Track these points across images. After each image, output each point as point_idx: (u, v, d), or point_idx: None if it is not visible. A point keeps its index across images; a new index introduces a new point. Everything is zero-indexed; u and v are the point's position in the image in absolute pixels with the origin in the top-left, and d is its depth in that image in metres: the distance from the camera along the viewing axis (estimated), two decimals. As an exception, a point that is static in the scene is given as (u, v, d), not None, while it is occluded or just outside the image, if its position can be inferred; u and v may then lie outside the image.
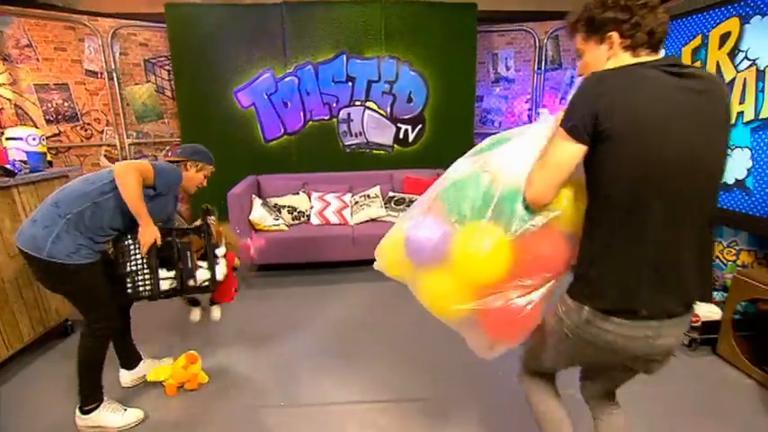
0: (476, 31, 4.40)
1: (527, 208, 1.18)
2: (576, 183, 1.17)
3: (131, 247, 1.90)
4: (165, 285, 1.97)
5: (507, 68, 4.92)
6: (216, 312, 2.34)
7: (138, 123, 4.54)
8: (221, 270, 2.12)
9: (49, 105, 4.08)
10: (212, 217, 2.14)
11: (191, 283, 2.02)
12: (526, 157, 1.21)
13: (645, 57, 1.09)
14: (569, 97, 1.09)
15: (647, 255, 1.06)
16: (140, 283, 1.91)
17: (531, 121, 4.94)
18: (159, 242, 1.90)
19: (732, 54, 2.55)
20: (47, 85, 4.04)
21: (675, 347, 1.18)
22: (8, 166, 2.32)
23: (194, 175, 2.15)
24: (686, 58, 2.86)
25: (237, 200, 3.40)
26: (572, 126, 1.05)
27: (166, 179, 1.94)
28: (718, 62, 2.64)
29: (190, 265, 2.01)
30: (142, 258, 1.90)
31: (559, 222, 1.19)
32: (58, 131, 4.15)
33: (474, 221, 1.25)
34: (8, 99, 3.90)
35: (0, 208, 2.25)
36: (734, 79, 2.54)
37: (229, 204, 3.37)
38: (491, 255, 1.21)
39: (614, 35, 1.10)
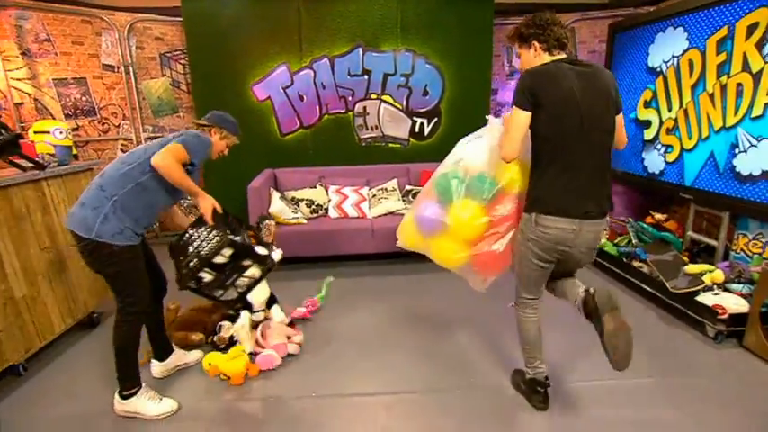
0: (492, 24, 4.38)
1: (488, 183, 1.90)
2: (519, 163, 1.83)
3: (193, 236, 2.05)
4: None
5: (522, 61, 4.89)
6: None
7: (154, 117, 4.55)
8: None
9: (68, 100, 4.10)
10: (269, 221, 2.23)
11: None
12: (484, 151, 1.94)
13: (557, 55, 1.73)
14: (516, 85, 1.72)
15: (571, 176, 1.67)
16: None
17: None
18: (219, 209, 2.02)
19: (760, 45, 2.53)
20: (65, 79, 4.06)
21: (594, 242, 1.79)
22: (38, 160, 2.34)
23: (218, 143, 2.18)
24: (711, 50, 2.84)
25: (257, 193, 3.42)
26: (520, 101, 1.68)
27: (200, 153, 2.00)
28: (744, 53, 2.63)
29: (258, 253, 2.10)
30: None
31: (511, 187, 1.90)
32: (76, 126, 4.17)
33: (458, 200, 1.97)
34: (28, 93, 3.92)
35: (32, 201, 2.27)
36: (761, 70, 2.52)
37: (249, 198, 3.39)
38: (472, 218, 1.94)
39: (535, 43, 1.77)
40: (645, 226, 3.35)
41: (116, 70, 4.28)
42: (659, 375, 2.24)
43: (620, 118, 1.79)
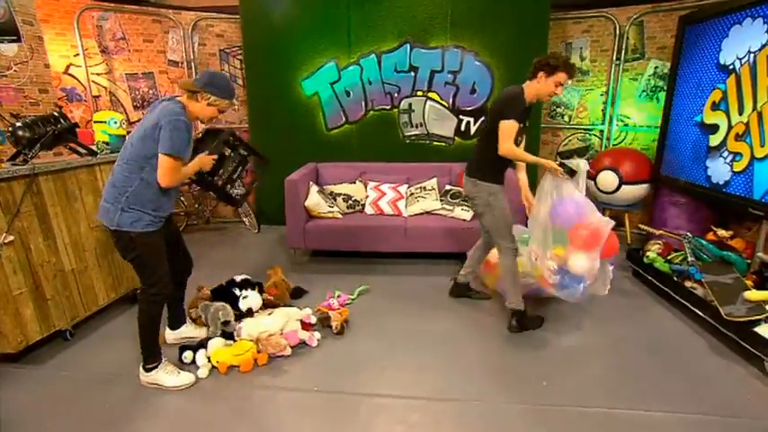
0: (548, 18, 4.14)
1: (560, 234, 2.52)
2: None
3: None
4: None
5: (582, 59, 4.59)
6: None
7: (213, 110, 4.83)
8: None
9: (137, 93, 4.47)
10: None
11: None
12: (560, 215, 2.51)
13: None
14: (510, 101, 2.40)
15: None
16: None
17: (604, 118, 4.58)
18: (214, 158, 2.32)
19: None
20: (135, 74, 4.43)
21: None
22: (93, 147, 2.58)
23: (204, 109, 2.05)
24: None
25: (294, 186, 3.52)
26: (516, 115, 2.34)
27: (184, 146, 1.94)
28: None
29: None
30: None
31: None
32: (143, 116, 4.54)
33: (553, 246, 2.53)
34: (104, 87, 4.32)
35: (85, 184, 2.52)
36: None
37: (286, 190, 3.49)
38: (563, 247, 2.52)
39: (541, 74, 2.35)
40: (704, 243, 3.01)
41: (179, 65, 4.60)
42: (703, 412, 2.02)
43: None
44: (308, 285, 3.28)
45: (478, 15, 4.11)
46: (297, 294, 3.17)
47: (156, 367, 2.13)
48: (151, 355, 2.13)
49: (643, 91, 4.39)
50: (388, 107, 4.43)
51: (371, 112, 4.45)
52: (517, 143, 2.45)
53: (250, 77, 4.50)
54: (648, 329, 2.72)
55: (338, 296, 3.08)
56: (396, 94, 4.38)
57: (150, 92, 4.52)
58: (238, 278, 2.81)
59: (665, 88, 4.19)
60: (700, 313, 2.69)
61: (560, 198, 2.51)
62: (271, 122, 4.55)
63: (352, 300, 3.12)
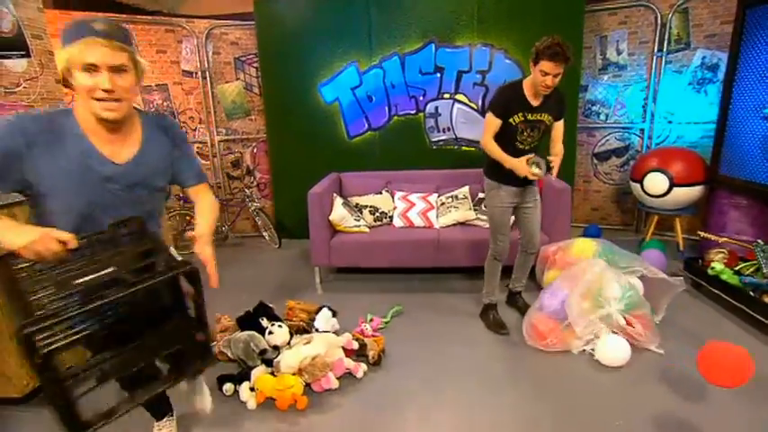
0: (583, 11, 3.84)
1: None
2: None
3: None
4: None
5: (618, 53, 4.28)
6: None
7: (228, 120, 4.65)
8: None
9: (151, 106, 4.30)
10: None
11: None
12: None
13: None
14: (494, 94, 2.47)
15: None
16: None
17: (645, 113, 4.25)
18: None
19: None
20: (149, 86, 4.27)
21: None
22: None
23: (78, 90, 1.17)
24: None
25: (318, 199, 3.28)
26: (495, 108, 2.36)
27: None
28: None
29: None
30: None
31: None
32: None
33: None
34: (117, 100, 4.16)
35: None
36: None
37: (309, 204, 3.25)
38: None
39: (531, 63, 2.28)
40: (781, 251, 2.67)
41: (194, 76, 4.42)
42: None
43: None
44: (336, 305, 3.03)
45: (507, 10, 3.83)
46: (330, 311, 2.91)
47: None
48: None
49: (689, 84, 4.05)
50: (413, 112, 4.17)
51: (395, 118, 4.20)
52: (524, 137, 2.40)
53: (267, 85, 4.30)
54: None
55: (371, 320, 2.82)
56: (421, 98, 4.12)
57: (165, 104, 4.35)
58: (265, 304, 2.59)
59: (718, 80, 3.86)
60: (787, 334, 2.35)
61: None
62: (289, 131, 4.34)
63: (386, 323, 2.86)
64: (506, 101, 2.34)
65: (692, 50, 3.98)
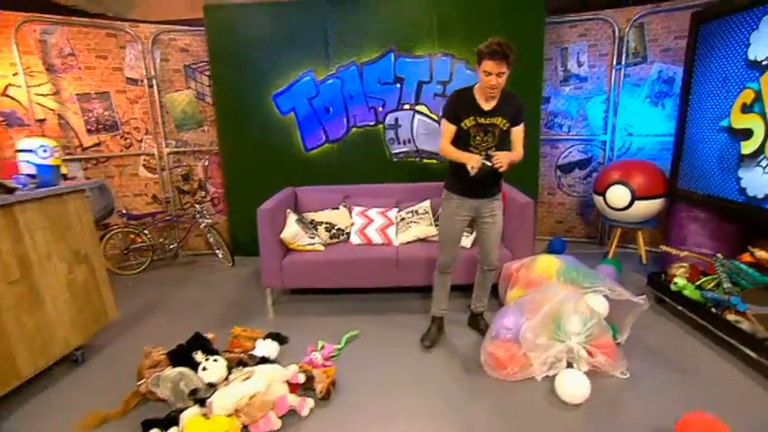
0: (543, 22, 3.80)
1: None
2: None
3: None
4: None
5: (579, 64, 4.27)
6: None
7: (178, 132, 4.36)
8: None
9: (91, 115, 3.98)
10: None
11: None
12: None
13: None
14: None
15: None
16: None
17: (606, 126, 4.24)
18: None
19: None
20: (88, 94, 3.95)
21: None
22: (10, 182, 2.09)
23: None
24: None
25: (269, 216, 3.04)
26: (446, 114, 2.37)
27: None
28: None
29: None
30: None
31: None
32: (98, 141, 4.05)
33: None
34: (51, 109, 3.83)
35: (-1, 228, 2.00)
36: None
37: (259, 221, 3.02)
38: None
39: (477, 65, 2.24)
40: (741, 266, 2.62)
41: (139, 83, 4.13)
42: None
43: None
44: (288, 330, 2.79)
45: (468, 21, 3.75)
46: (276, 340, 2.66)
47: None
48: None
49: (647, 97, 4.06)
50: (372, 123, 4.01)
51: (354, 130, 4.03)
52: (477, 142, 2.33)
53: (218, 94, 4.06)
54: (695, 374, 2.30)
55: (322, 348, 2.60)
56: (380, 109, 3.97)
57: (106, 113, 4.04)
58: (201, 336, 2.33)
59: (674, 93, 3.88)
60: (751, 354, 2.28)
61: None
62: (243, 143, 4.10)
63: (339, 350, 2.64)
64: (455, 105, 2.32)
65: (649, 64, 4.00)
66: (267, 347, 2.50)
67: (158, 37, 4.11)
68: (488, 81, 2.14)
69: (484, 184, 2.39)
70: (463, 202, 2.45)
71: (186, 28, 4.18)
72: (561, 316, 2.23)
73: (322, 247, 3.27)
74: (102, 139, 4.06)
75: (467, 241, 3.18)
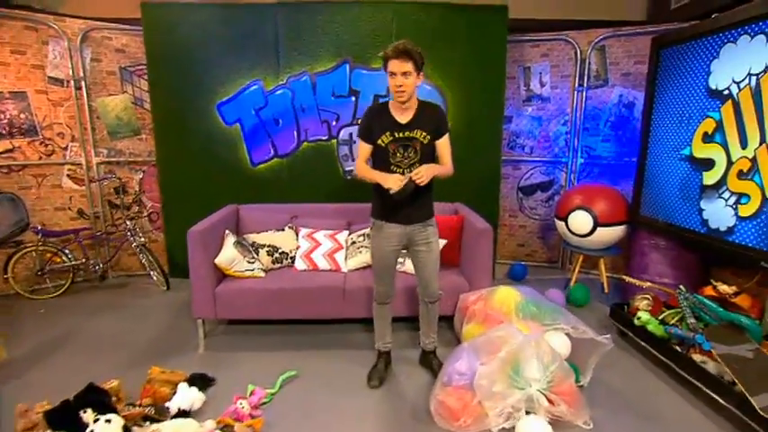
0: (506, 38, 3.67)
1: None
2: None
3: None
4: None
5: (542, 84, 4.17)
6: None
7: (111, 140, 3.93)
8: None
9: (3, 117, 3.50)
10: None
11: None
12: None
13: None
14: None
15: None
16: None
17: (568, 148, 4.14)
18: None
19: None
20: (0, 93, 3.48)
21: None
22: None
23: None
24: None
25: (200, 239, 2.69)
26: (360, 132, 2.23)
27: None
28: None
29: None
30: None
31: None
32: (11, 147, 3.56)
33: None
34: (-46, 109, 3.34)
35: None
36: None
37: (189, 245, 2.66)
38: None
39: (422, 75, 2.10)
40: (705, 301, 2.49)
41: (65, 84, 3.69)
42: None
43: None
44: (219, 369, 2.43)
45: (427, 34, 3.55)
46: (198, 384, 2.30)
47: None
48: None
49: (608, 120, 3.99)
50: (324, 138, 3.73)
51: (305, 144, 3.74)
52: (398, 159, 2.14)
53: (156, 101, 3.67)
54: (660, 420, 2.11)
55: (251, 393, 2.25)
56: (334, 123, 3.70)
57: (22, 115, 3.57)
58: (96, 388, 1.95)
59: (635, 118, 3.82)
60: (718, 398, 2.11)
61: None
62: (183, 155, 3.72)
63: (272, 395, 2.30)
64: (369, 122, 2.17)
65: (611, 87, 3.94)
66: (187, 396, 2.14)
67: (89, 34, 3.71)
68: (394, 82, 2.01)
69: (412, 207, 2.17)
70: (392, 231, 2.22)
71: (122, 26, 3.80)
72: (520, 360, 1.99)
73: (262, 274, 2.93)
74: (16, 145, 3.58)
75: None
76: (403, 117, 2.13)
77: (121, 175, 3.97)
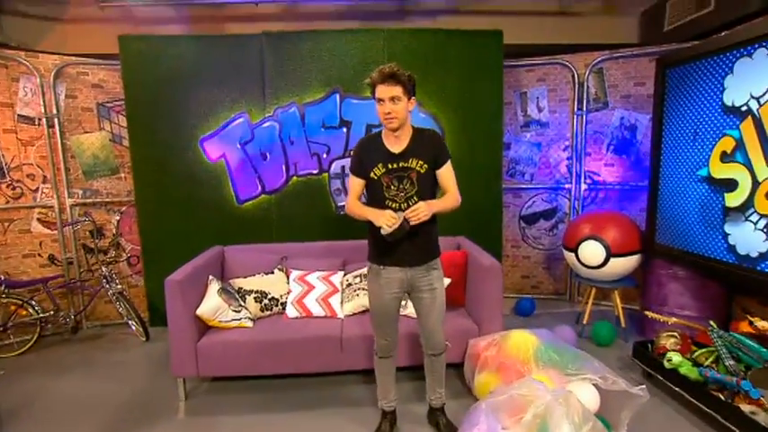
0: (502, 63, 3.54)
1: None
2: None
3: None
4: None
5: (540, 109, 4.03)
6: None
7: (86, 179, 3.68)
8: None
9: (-33, 159, 3.25)
10: None
11: None
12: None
13: None
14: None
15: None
16: None
17: (570, 174, 3.96)
18: None
19: None
20: (-35, 133, 3.24)
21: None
22: None
23: None
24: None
25: (179, 288, 2.41)
26: (352, 167, 2.04)
27: None
28: None
29: None
30: None
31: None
32: (-25, 191, 3.30)
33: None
34: None
35: None
36: None
37: (168, 295, 2.39)
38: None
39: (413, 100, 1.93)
40: (744, 340, 2.24)
41: (37, 123, 3.46)
42: None
43: None
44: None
45: (420, 61, 3.41)
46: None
47: None
48: None
49: (610, 143, 3.84)
50: (315, 172, 3.52)
51: (295, 179, 3.51)
52: (393, 193, 1.93)
53: (135, 138, 3.45)
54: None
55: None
56: (324, 156, 3.50)
57: (-12, 158, 3.32)
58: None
59: (638, 141, 3.68)
60: (777, 458, 1.84)
61: None
62: (164, 194, 3.47)
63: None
64: (360, 154, 2.01)
65: (611, 110, 3.80)
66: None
67: (64, 70, 3.51)
68: (382, 109, 1.85)
69: (413, 247, 1.93)
70: (392, 276, 1.97)
71: (99, 61, 3.61)
72: (549, 425, 1.71)
73: (250, 323, 2.64)
74: (-20, 189, 3.31)
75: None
76: (396, 146, 1.93)
77: (98, 217, 3.70)
